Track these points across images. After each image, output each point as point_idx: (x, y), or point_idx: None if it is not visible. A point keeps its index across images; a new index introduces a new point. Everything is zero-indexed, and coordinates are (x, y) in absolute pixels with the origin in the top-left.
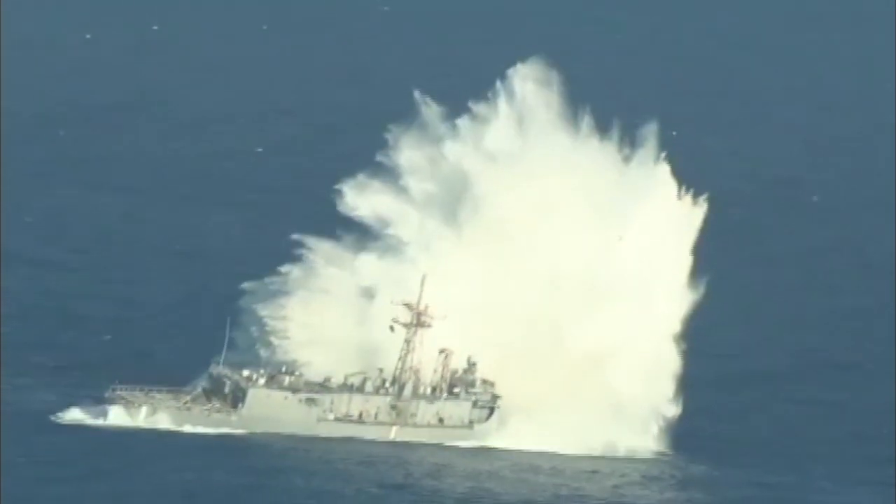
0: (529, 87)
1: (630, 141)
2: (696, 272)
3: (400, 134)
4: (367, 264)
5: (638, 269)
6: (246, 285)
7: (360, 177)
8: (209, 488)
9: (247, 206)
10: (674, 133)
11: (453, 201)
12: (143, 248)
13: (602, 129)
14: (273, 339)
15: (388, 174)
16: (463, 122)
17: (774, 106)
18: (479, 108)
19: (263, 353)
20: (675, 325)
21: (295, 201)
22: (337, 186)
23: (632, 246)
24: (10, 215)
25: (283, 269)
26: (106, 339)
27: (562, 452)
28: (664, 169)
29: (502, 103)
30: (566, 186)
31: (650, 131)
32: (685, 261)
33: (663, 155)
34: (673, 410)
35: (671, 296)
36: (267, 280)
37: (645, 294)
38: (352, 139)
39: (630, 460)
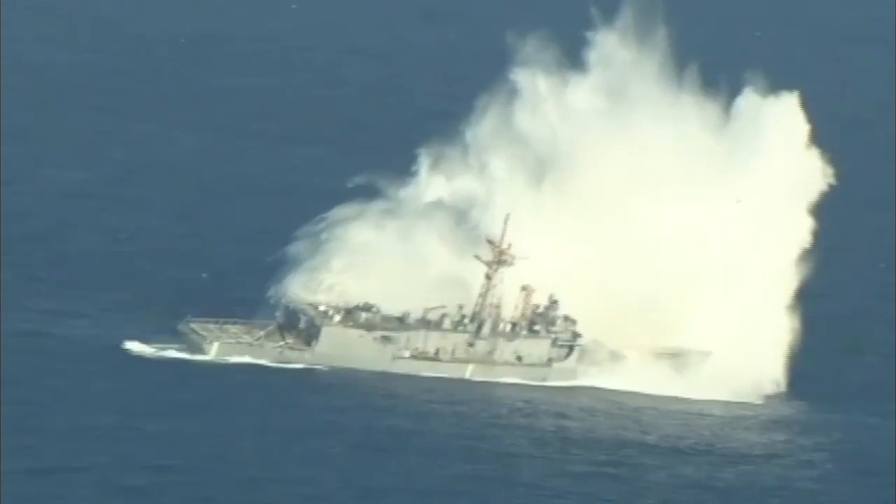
0: (623, 45)
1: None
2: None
3: (487, 104)
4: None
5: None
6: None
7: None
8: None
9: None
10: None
11: (540, 170)
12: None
13: (708, 86)
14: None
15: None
16: (551, 80)
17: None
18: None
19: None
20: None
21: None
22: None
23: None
24: (94, 150)
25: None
26: (203, 276)
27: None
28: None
29: (595, 59)
30: (665, 150)
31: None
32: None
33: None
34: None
35: (779, 273)
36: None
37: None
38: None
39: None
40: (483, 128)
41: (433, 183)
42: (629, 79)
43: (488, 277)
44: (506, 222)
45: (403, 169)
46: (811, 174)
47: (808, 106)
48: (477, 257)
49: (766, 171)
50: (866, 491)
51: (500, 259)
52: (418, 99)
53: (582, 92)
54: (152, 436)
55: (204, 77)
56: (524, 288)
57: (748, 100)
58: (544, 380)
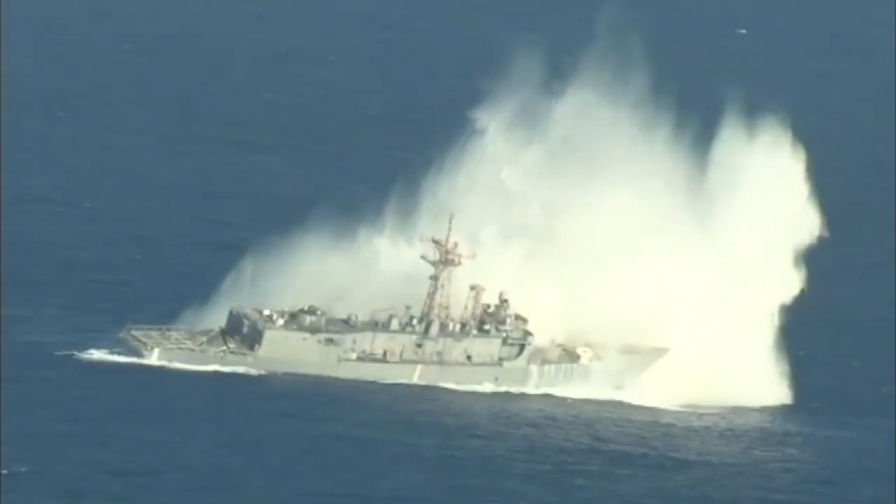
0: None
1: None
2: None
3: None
4: None
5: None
6: None
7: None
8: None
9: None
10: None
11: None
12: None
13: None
14: None
15: None
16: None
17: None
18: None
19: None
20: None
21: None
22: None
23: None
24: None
25: None
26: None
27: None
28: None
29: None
30: (640, 206)
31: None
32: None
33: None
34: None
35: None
36: None
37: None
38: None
39: None
40: (452, 183)
41: (398, 248)
42: (601, 134)
43: (434, 278)
44: (450, 221)
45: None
46: (799, 223)
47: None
48: (423, 258)
49: (747, 219)
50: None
51: (445, 259)
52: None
53: (541, 152)
54: (105, 441)
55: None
56: (473, 287)
57: (727, 146)
58: (495, 380)
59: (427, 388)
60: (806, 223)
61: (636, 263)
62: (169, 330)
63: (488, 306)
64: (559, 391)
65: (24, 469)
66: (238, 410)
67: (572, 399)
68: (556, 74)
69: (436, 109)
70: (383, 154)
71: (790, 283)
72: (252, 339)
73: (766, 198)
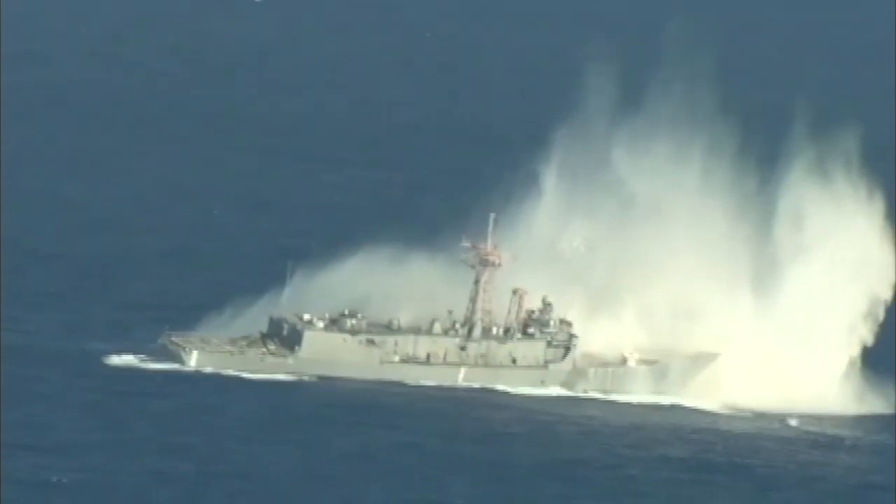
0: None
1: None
2: None
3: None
4: None
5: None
6: None
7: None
8: None
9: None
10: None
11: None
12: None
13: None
14: None
15: None
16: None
17: None
18: None
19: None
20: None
21: None
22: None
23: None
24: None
25: None
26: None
27: None
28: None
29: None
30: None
31: None
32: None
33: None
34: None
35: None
36: None
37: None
38: None
39: None
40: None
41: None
42: (666, 193)
43: (476, 282)
44: (492, 223)
45: None
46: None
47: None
48: (463, 261)
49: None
50: None
51: (485, 261)
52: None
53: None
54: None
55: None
56: (516, 291)
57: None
58: (542, 382)
59: (479, 393)
60: (882, 276)
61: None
62: (209, 336)
63: (532, 311)
64: (606, 395)
65: (73, 478)
66: (291, 416)
67: (621, 402)
68: (623, 111)
69: (491, 124)
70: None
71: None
72: (292, 340)
73: (839, 257)
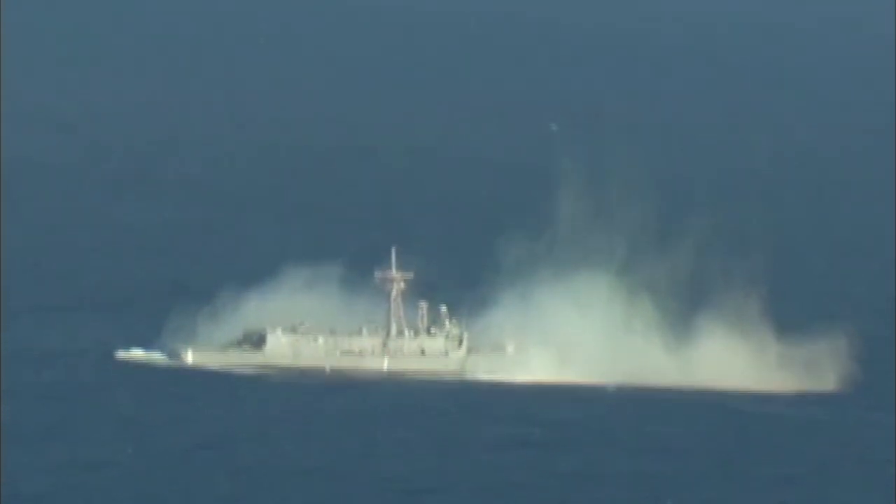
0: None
1: None
2: None
3: None
4: None
5: None
6: None
7: None
8: None
9: None
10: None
11: None
12: None
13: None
14: None
15: None
16: None
17: None
18: None
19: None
20: None
21: None
22: None
23: None
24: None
25: None
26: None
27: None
28: None
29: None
30: None
31: None
32: None
33: None
34: None
35: None
36: None
37: None
38: None
39: None
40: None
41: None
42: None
43: (389, 298)
44: (393, 254)
45: None
46: None
47: None
48: (377, 284)
49: None
50: None
51: (391, 281)
52: None
53: None
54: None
55: None
56: (420, 305)
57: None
58: (445, 367)
59: (397, 375)
60: None
61: None
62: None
63: (434, 315)
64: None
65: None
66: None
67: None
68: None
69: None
70: None
71: None
72: (259, 342)
73: None
